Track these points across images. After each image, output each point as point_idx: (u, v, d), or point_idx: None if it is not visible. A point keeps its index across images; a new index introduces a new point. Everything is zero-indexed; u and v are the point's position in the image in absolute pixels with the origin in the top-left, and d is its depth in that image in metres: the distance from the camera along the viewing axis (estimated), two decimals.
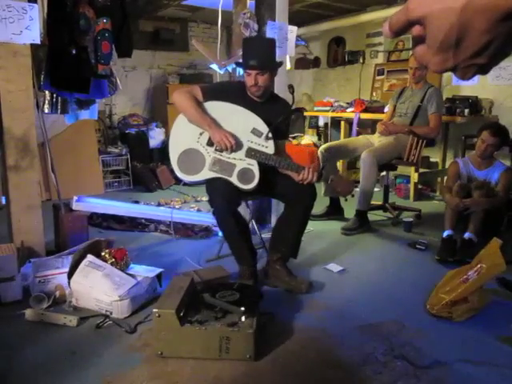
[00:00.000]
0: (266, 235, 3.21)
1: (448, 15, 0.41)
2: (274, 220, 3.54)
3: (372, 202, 3.85)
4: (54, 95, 3.15)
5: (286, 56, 3.61)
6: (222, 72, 3.49)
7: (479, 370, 1.86)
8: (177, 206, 4.37)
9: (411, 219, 3.79)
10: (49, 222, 3.08)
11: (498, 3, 0.39)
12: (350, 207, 3.89)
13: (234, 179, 2.45)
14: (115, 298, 2.22)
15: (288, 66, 3.79)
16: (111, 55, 3.09)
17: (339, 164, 4.89)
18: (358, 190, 3.80)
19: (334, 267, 2.91)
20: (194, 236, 3.50)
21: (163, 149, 5.88)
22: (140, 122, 6.04)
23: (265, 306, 2.21)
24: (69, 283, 2.34)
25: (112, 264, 2.42)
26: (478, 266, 2.27)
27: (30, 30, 2.54)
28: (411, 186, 4.82)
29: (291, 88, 2.83)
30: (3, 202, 3.53)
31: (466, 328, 2.18)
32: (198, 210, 4.18)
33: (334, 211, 4.04)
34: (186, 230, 3.55)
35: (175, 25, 6.66)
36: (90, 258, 2.40)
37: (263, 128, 2.49)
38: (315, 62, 6.93)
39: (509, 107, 4.70)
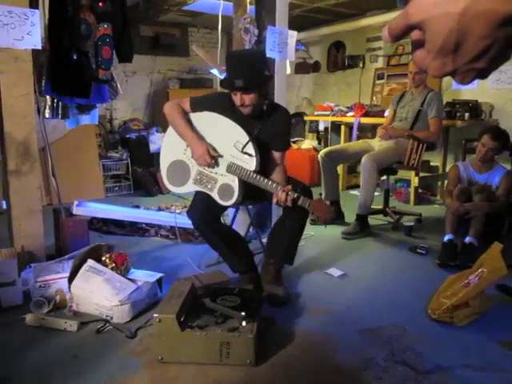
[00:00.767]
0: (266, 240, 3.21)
1: (447, 20, 0.41)
2: None
3: (372, 207, 3.85)
4: (55, 100, 3.16)
5: (286, 60, 3.62)
6: (222, 77, 3.49)
7: (480, 374, 1.85)
8: (177, 211, 4.36)
9: (412, 223, 3.78)
10: (49, 226, 3.08)
11: (496, 8, 0.39)
12: (350, 212, 3.89)
13: (214, 195, 2.40)
14: (116, 302, 2.21)
15: (288, 70, 3.79)
16: (112, 60, 3.10)
17: (339, 168, 4.89)
18: (358, 194, 3.80)
19: (335, 272, 2.91)
20: (194, 241, 3.50)
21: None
22: (140, 127, 6.05)
23: (265, 311, 2.20)
24: (69, 288, 2.34)
25: (112, 269, 2.41)
26: (479, 270, 2.26)
27: (32, 35, 2.54)
28: (412, 190, 4.82)
29: None
30: (4, 206, 3.53)
31: (467, 333, 2.17)
32: None
33: (335, 215, 4.03)
34: (186, 235, 3.55)
35: (176, 30, 6.68)
36: (90, 262, 2.40)
37: (245, 141, 2.36)
38: (315, 67, 6.95)
39: (509, 111, 4.70)
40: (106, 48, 3.01)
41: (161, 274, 2.53)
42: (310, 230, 3.75)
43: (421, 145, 3.76)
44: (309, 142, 6.16)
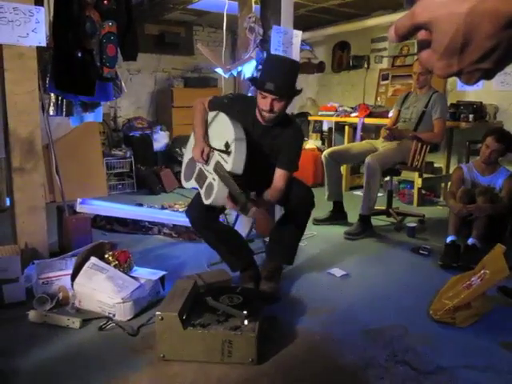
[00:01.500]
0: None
1: (453, 20, 0.42)
2: None
3: (376, 207, 3.85)
4: (59, 98, 3.17)
5: None
6: (226, 76, 3.49)
7: (482, 375, 1.85)
8: (180, 209, 4.37)
9: (415, 224, 3.78)
10: (53, 223, 3.09)
11: (502, 9, 0.39)
12: (353, 212, 3.89)
13: (202, 192, 2.36)
14: (118, 300, 2.22)
15: None
16: (116, 58, 3.10)
17: (343, 169, 4.88)
18: (361, 194, 3.80)
19: (337, 272, 2.91)
20: (197, 239, 3.50)
21: (167, 152, 5.90)
22: (144, 125, 6.05)
23: (268, 310, 2.21)
24: (72, 285, 2.35)
25: (115, 266, 2.42)
26: (482, 271, 2.26)
27: (37, 32, 2.55)
28: (415, 192, 4.81)
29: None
30: (8, 203, 3.54)
31: (468, 334, 2.17)
32: None
33: (338, 216, 4.03)
34: (189, 234, 3.55)
35: (180, 28, 6.68)
36: (93, 260, 2.40)
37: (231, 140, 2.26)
38: (320, 67, 6.94)
39: None
40: (111, 46, 3.01)
41: (163, 272, 2.53)
42: (312, 230, 3.75)
43: (424, 146, 3.76)
44: (312, 142, 6.16)
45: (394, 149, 3.81)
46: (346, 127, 5.49)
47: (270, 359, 1.91)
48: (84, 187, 4.60)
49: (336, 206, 4.04)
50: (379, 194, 3.93)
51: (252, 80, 2.46)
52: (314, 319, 2.29)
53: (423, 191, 4.88)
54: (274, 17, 3.37)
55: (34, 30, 2.55)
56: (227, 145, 2.25)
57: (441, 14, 0.42)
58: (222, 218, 3.10)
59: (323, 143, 6.18)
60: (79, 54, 2.93)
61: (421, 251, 3.28)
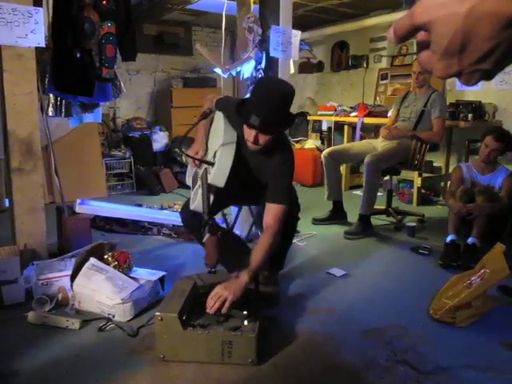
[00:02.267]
0: None
1: (453, 21, 0.41)
2: None
3: (375, 207, 3.85)
4: (58, 98, 3.17)
5: (290, 60, 3.61)
6: (225, 76, 3.49)
7: (482, 375, 1.84)
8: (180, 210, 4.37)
9: (414, 224, 3.78)
10: (52, 224, 3.09)
11: (502, 9, 0.39)
12: (353, 212, 3.89)
13: (191, 194, 2.35)
14: (118, 301, 2.22)
15: (292, 70, 3.79)
16: (115, 59, 3.10)
17: (342, 168, 4.88)
18: (361, 194, 3.80)
19: (337, 271, 2.90)
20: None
21: (167, 152, 5.89)
22: (144, 126, 6.05)
23: (267, 310, 2.20)
24: (71, 286, 2.34)
25: (115, 267, 2.42)
26: (482, 271, 2.26)
27: (35, 33, 2.55)
28: (414, 191, 4.81)
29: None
30: (7, 204, 3.54)
31: (468, 333, 2.17)
32: None
33: (337, 215, 4.03)
34: (189, 234, 3.55)
35: (179, 29, 6.68)
36: (92, 260, 2.40)
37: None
38: (319, 67, 6.94)
39: None
40: (110, 46, 3.01)
41: (163, 273, 2.53)
42: (312, 230, 3.75)
43: (424, 145, 3.76)
44: (312, 142, 6.15)
45: (393, 148, 3.81)
46: (346, 127, 5.49)
47: (269, 359, 1.90)
48: (83, 188, 4.60)
49: (336, 206, 4.04)
50: (379, 194, 3.93)
51: (238, 108, 2.10)
52: (314, 319, 2.29)
53: (423, 190, 4.88)
54: (272, 17, 3.37)
55: (33, 31, 2.54)
56: (215, 154, 2.18)
57: (440, 15, 0.42)
58: (221, 218, 3.09)
59: (322, 143, 6.18)
60: (78, 55, 2.93)
61: (420, 251, 3.28)
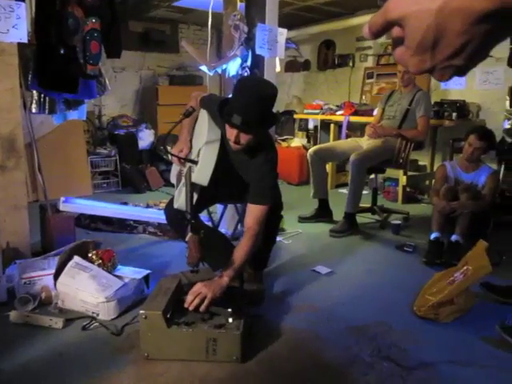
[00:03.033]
0: None
1: (425, 16, 0.42)
2: None
3: (360, 205, 3.87)
4: (42, 95, 3.13)
5: (276, 58, 3.62)
6: (211, 74, 3.48)
7: (465, 370, 1.87)
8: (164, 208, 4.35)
9: (399, 222, 3.81)
10: (35, 222, 3.05)
11: (472, 5, 0.39)
12: (338, 210, 3.90)
13: (176, 193, 2.33)
14: (102, 299, 2.20)
15: (278, 68, 3.79)
16: (100, 55, 3.07)
17: (328, 167, 4.90)
18: (346, 192, 3.82)
19: (322, 269, 2.92)
20: None
21: (152, 150, 5.86)
22: (129, 123, 6.01)
23: (252, 308, 2.20)
24: (55, 285, 2.32)
25: (99, 265, 2.40)
26: (465, 268, 2.29)
27: (17, 28, 2.51)
28: (399, 189, 4.85)
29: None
30: None
31: (452, 329, 2.20)
32: None
33: (323, 213, 4.04)
34: (174, 232, 3.53)
35: (166, 26, 6.65)
36: (76, 259, 2.38)
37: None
38: (305, 65, 6.96)
39: (495, 111, 4.75)
40: (95, 43, 2.98)
41: (148, 271, 2.52)
42: (297, 228, 3.76)
43: (409, 144, 3.79)
44: (298, 140, 6.17)
45: (378, 146, 3.83)
46: (332, 125, 5.51)
47: (254, 357, 1.91)
48: (68, 186, 4.55)
49: (321, 204, 4.05)
50: (364, 192, 3.95)
51: (220, 107, 2.06)
52: (299, 317, 2.30)
53: (408, 189, 4.93)
54: (258, 15, 3.37)
55: (15, 26, 2.50)
56: (199, 152, 2.17)
57: (412, 11, 0.42)
58: (206, 216, 3.09)
59: (308, 141, 6.19)
60: (62, 51, 2.89)
61: (405, 248, 3.31)
